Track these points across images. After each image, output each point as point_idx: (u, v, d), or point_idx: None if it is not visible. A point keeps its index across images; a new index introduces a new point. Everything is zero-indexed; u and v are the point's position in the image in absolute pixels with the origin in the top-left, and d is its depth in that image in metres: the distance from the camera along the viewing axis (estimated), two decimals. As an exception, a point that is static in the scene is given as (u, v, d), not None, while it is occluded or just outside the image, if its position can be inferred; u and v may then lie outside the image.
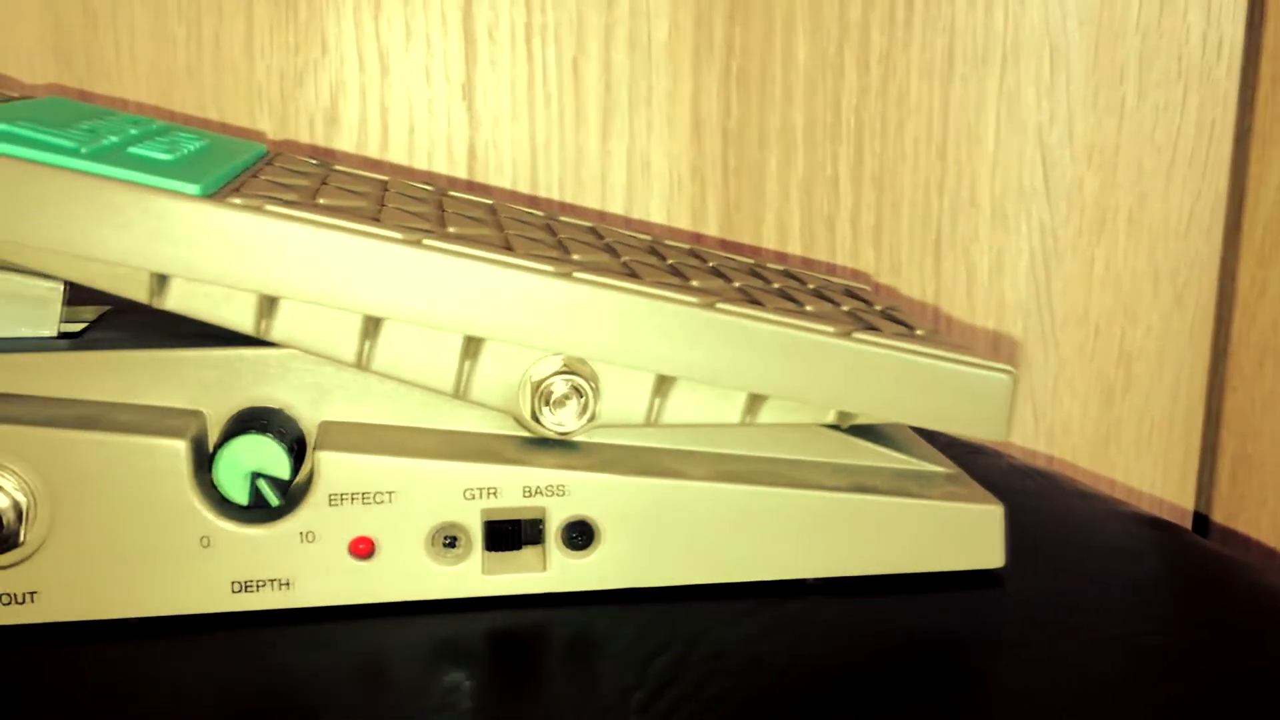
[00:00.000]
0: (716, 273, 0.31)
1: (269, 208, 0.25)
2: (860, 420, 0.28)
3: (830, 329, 0.27)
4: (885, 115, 0.46)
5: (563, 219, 0.35)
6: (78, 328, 0.28)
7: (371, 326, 0.26)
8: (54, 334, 0.27)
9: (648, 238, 0.36)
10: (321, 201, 0.27)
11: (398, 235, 0.25)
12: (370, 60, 0.43)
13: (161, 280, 0.25)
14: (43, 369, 0.26)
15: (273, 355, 0.27)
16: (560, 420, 0.26)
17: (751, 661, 0.24)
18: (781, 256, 0.46)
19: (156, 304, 0.25)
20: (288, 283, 0.25)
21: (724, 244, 0.46)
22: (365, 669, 0.24)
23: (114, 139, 0.27)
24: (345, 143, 0.43)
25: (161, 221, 0.24)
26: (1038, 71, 0.46)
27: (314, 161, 0.34)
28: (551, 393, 0.26)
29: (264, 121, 0.43)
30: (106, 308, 0.30)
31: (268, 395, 0.27)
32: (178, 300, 0.25)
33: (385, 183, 0.33)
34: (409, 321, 0.26)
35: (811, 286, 0.33)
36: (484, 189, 0.44)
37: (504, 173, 0.45)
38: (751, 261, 0.36)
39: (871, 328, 0.28)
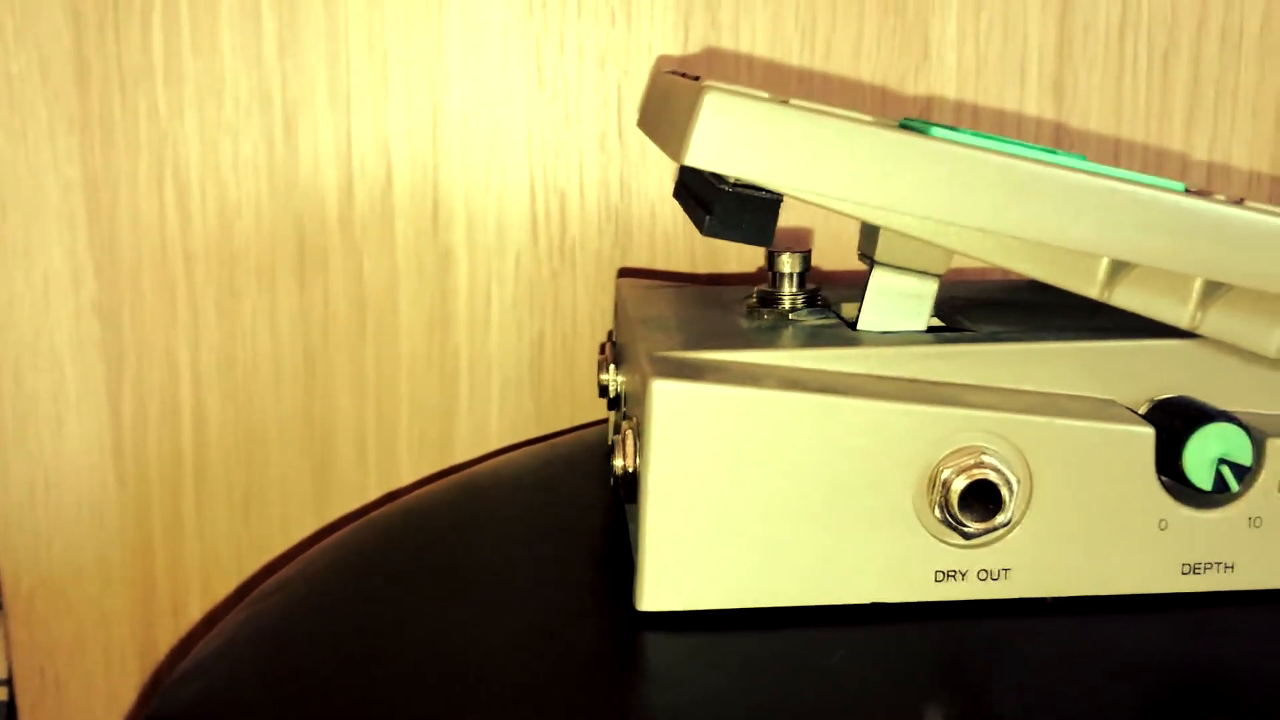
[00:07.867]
0: None
1: (1249, 202, 0.26)
2: None
3: None
4: None
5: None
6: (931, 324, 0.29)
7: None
8: (923, 328, 0.29)
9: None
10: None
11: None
12: (968, 60, 0.44)
13: (1116, 272, 0.26)
14: (982, 360, 0.27)
15: (1178, 346, 0.27)
16: None
17: None
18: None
19: (1101, 296, 0.26)
20: (1242, 271, 0.26)
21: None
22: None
23: (1020, 143, 0.28)
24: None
25: (1147, 215, 0.25)
26: None
27: None
28: None
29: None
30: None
31: (1165, 385, 0.27)
32: (1124, 291, 0.26)
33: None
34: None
35: None
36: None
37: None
38: None
39: None
